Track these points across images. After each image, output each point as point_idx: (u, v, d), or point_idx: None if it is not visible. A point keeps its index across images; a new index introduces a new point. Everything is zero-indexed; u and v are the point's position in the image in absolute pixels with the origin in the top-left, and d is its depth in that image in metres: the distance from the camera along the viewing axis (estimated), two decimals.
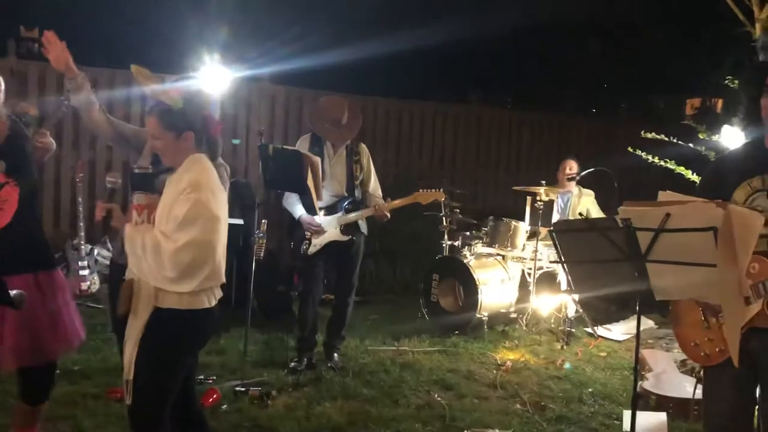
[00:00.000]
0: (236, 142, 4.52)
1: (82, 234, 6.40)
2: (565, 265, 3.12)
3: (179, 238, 2.78)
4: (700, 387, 4.82)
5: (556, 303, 6.54)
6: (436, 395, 4.83)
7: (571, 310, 6.44)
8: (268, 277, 6.57)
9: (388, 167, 8.60)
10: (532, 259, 6.52)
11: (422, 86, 11.45)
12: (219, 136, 3.14)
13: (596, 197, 7.06)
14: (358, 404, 4.58)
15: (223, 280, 3.01)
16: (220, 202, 2.95)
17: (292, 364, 5.15)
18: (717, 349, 2.95)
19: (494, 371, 5.44)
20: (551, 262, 6.52)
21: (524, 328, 6.50)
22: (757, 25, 6.17)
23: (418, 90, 10.47)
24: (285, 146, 5.17)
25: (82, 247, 6.39)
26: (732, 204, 2.72)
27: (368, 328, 6.36)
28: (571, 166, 7.01)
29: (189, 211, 2.80)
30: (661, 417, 4.48)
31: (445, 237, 6.91)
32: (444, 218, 6.87)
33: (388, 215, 5.21)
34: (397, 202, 5.36)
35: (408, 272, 8.05)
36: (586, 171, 6.65)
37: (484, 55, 13.12)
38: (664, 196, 2.87)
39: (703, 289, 2.78)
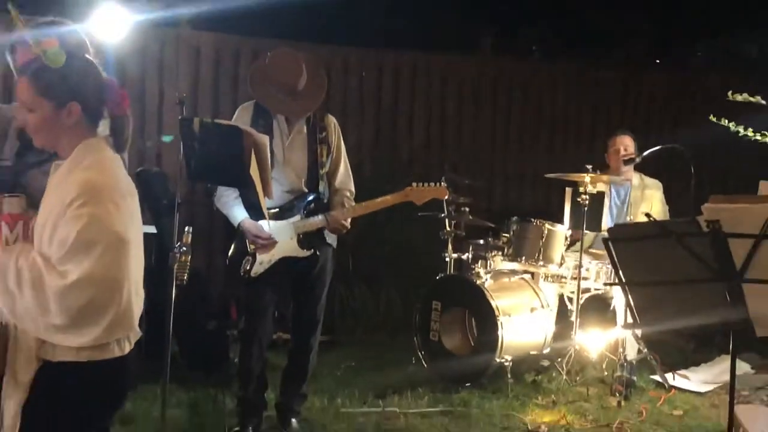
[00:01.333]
0: (167, 139, 4.48)
1: None
2: (625, 287, 3.15)
3: (68, 271, 2.74)
4: None
5: (610, 341, 6.56)
6: None
7: (632, 351, 6.47)
8: (194, 310, 6.54)
9: (363, 150, 8.61)
10: (575, 278, 6.54)
11: (412, 31, 11.45)
12: (126, 115, 3.10)
13: (667, 188, 7.11)
14: None
15: (135, 325, 2.99)
16: (127, 215, 2.91)
17: None
18: None
19: None
20: (606, 284, 6.54)
21: (565, 377, 6.53)
22: None
23: (404, 36, 10.47)
24: (217, 120, 5.15)
25: None
26: None
27: (340, 382, 6.36)
28: (626, 145, 7.04)
29: (81, 233, 2.75)
30: None
31: (449, 248, 6.92)
32: (447, 221, 6.88)
33: (348, 226, 5.21)
34: (379, 202, 5.34)
35: (396, 300, 8.06)
36: (650, 150, 6.69)
37: None
38: (766, 187, 2.91)
39: None
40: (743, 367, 6.81)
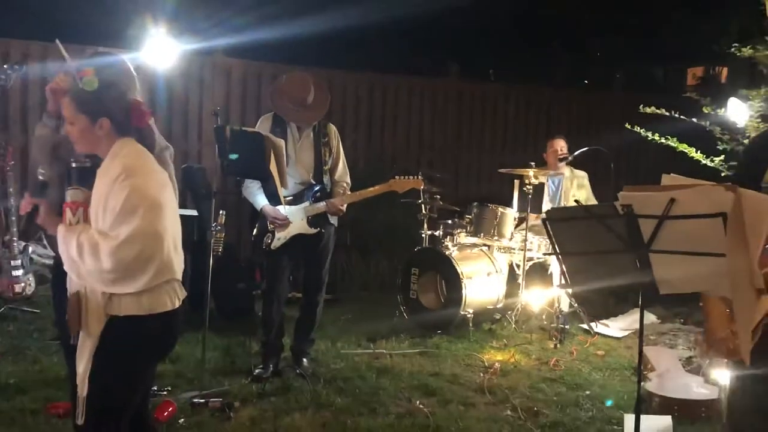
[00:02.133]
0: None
1: (15, 230, 6.31)
2: (559, 257, 3.15)
3: (120, 233, 2.75)
4: (707, 387, 4.93)
5: (548, 297, 6.58)
6: (417, 402, 4.84)
7: (565, 305, 6.49)
8: (227, 275, 6.53)
9: (358, 150, 8.60)
10: (522, 250, 6.56)
11: (395, 59, 11.43)
12: (148, 126, 3.08)
13: (589, 179, 7.12)
14: (332, 415, 4.58)
15: (178, 274, 2.97)
16: (160, 185, 2.92)
17: (257, 371, 5.13)
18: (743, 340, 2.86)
19: (481, 374, 5.47)
20: (544, 253, 6.57)
21: (513, 326, 6.55)
22: None
23: (390, 63, 10.45)
24: (244, 128, 5.13)
25: (15, 244, 6.30)
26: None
27: (341, 330, 6.37)
28: (561, 146, 7.05)
29: (126, 201, 2.77)
30: (666, 421, 4.53)
31: (425, 227, 6.92)
32: (423, 206, 6.89)
33: (343, 210, 5.22)
34: (370, 191, 5.36)
35: (384, 266, 8.06)
36: (579, 151, 6.69)
37: (463, 23, 13.11)
38: (667, 179, 2.90)
39: (711, 281, 2.82)
40: (651, 318, 6.85)
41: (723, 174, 6.21)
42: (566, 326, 6.42)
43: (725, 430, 3.16)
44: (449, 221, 7.01)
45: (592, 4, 13.72)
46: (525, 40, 13.88)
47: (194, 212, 6.55)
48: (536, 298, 6.62)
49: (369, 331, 6.29)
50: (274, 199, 5.05)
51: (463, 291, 6.31)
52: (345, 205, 5.24)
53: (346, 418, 4.54)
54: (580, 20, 14.17)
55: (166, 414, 4.33)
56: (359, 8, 9.85)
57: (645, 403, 4.77)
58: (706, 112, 6.16)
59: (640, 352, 3.12)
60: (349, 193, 5.33)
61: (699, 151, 6.20)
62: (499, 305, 6.69)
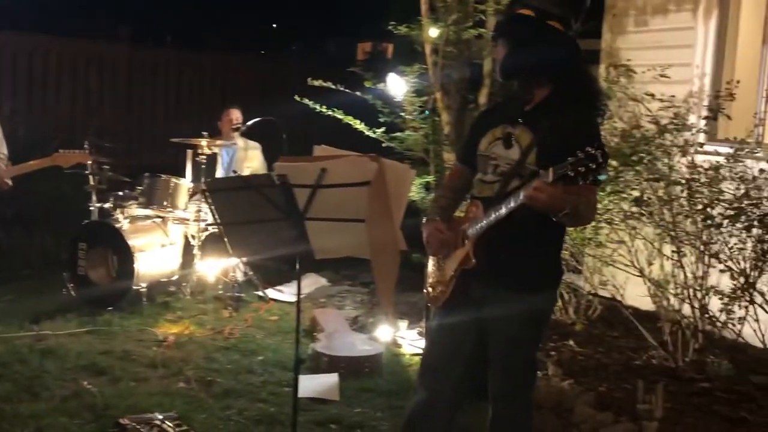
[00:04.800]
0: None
1: None
2: (221, 227, 3.23)
3: None
4: (370, 344, 5.35)
5: (224, 267, 6.65)
6: (85, 383, 4.67)
7: (240, 274, 6.60)
8: None
9: (17, 117, 7.99)
10: (196, 220, 6.55)
11: (59, 20, 10.74)
12: None
13: (265, 150, 7.27)
14: None
15: None
16: None
17: None
18: (440, 290, 3.11)
19: (155, 349, 5.40)
20: (207, 224, 6.57)
21: (189, 297, 6.53)
22: None
23: (53, 25, 9.83)
24: None
25: None
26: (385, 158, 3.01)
27: (1, 312, 5.92)
28: (237, 116, 7.13)
29: None
30: (333, 378, 4.85)
31: (93, 199, 6.62)
32: (91, 177, 6.58)
33: (9, 183, 4.89)
34: (30, 165, 5.06)
35: (49, 242, 7.58)
36: (252, 121, 6.81)
37: None
38: (319, 150, 3.10)
39: (357, 246, 3.06)
40: (321, 281, 7.19)
41: (383, 144, 6.71)
42: (241, 294, 6.53)
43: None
44: (120, 193, 6.76)
45: None
46: (203, 7, 13.76)
47: None
48: (212, 268, 6.65)
49: (33, 312, 5.89)
50: None
51: (135, 264, 6.15)
52: (10, 180, 4.88)
53: (5, 405, 4.27)
54: None
55: None
56: None
57: (314, 363, 5.08)
58: (368, 86, 6.57)
59: (299, 317, 3.29)
60: (9, 165, 4.97)
61: (363, 123, 6.62)
62: (174, 277, 6.63)
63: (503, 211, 2.82)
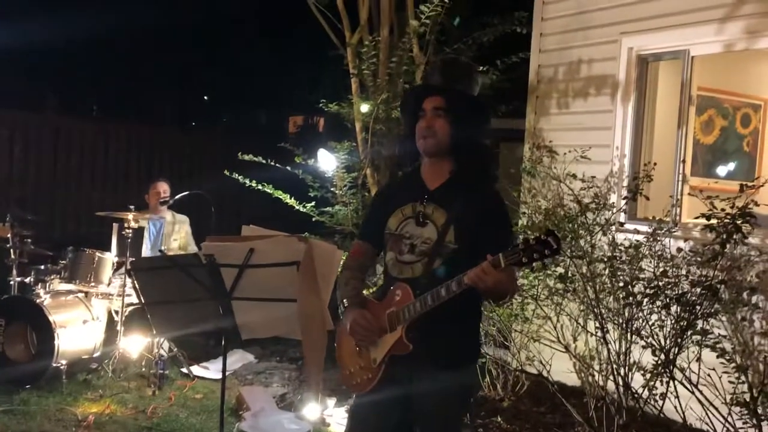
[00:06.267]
0: None
1: None
2: (146, 307, 3.21)
3: None
4: (298, 423, 5.28)
5: (148, 343, 6.52)
6: None
7: (165, 350, 6.49)
8: None
9: None
10: (120, 295, 6.44)
11: None
12: None
13: (194, 223, 7.24)
14: None
15: None
16: None
17: None
18: (366, 377, 3.07)
19: (74, 429, 5.25)
20: (130, 305, 6.46)
21: (111, 374, 6.38)
22: (349, 50, 6.98)
23: None
24: None
25: None
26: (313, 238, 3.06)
27: None
28: (164, 189, 7.10)
29: None
30: None
31: (14, 272, 6.47)
32: (12, 250, 6.44)
33: None
34: None
35: None
36: (180, 195, 6.79)
37: (65, 58, 12.61)
38: (247, 230, 3.13)
39: (286, 325, 3.08)
40: (249, 357, 7.10)
41: (314, 219, 6.77)
42: (165, 371, 6.39)
43: None
44: (42, 267, 6.64)
45: (197, 44, 14.07)
46: (131, 78, 13.76)
47: None
48: (135, 345, 6.52)
49: None
50: None
51: (56, 341, 5.99)
52: None
53: None
54: (187, 62, 14.43)
55: None
56: None
57: None
58: (298, 162, 6.67)
59: (223, 395, 3.27)
60: None
61: (293, 198, 6.68)
62: (96, 354, 6.46)
63: (443, 293, 2.83)
